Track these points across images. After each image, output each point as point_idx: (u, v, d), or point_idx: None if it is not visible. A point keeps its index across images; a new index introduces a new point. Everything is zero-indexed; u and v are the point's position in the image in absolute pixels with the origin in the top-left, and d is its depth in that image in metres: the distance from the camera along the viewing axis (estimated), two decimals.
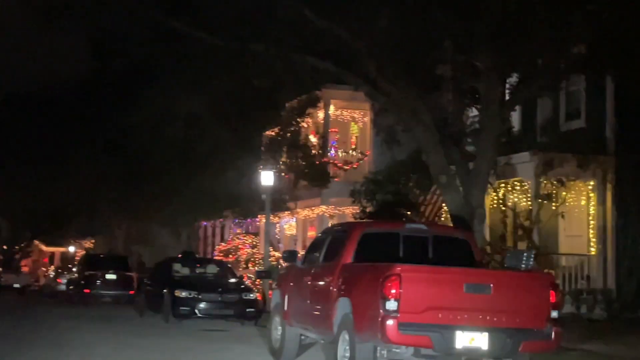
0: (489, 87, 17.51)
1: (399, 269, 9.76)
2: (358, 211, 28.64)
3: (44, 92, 40.29)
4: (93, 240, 62.05)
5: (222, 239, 46.99)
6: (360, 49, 17.23)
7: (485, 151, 17.49)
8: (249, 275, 37.50)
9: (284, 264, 35.91)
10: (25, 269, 67.49)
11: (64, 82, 38.41)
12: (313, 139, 34.39)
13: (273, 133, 33.56)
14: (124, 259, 35.76)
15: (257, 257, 39.53)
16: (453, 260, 11.17)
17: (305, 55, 18.10)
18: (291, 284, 13.02)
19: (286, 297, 13.04)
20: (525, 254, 11.16)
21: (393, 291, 9.63)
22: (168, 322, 21.56)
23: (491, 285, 10.02)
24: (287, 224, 40.74)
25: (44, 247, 75.49)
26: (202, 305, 21.22)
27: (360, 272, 10.76)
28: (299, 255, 13.34)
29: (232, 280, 23.13)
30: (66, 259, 66.10)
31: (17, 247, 69.60)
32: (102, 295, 33.80)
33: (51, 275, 53.92)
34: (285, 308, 13.02)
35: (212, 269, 23.94)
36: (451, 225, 17.20)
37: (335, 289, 11.10)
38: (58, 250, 73.29)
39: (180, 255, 39.51)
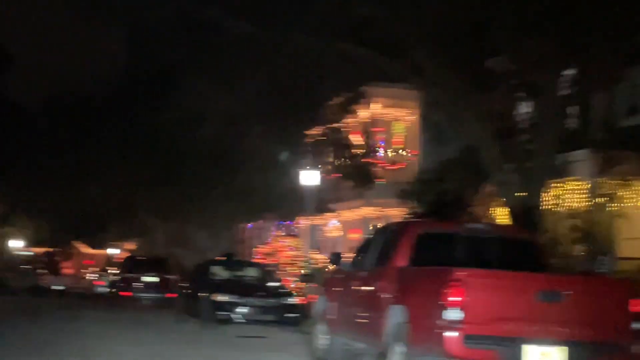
0: (548, 79, 16.21)
1: (462, 273, 8.54)
2: (404, 213, 27.43)
3: (80, 93, 39.70)
4: (135, 243, 61.48)
5: (262, 241, 46.02)
6: (410, 36, 16.02)
7: (544, 148, 16.20)
8: (289, 279, 36.47)
9: (330, 267, 35.02)
10: (69, 271, 67.25)
11: (99, 83, 37.79)
12: (357, 138, 33.17)
13: (315, 132, 32.40)
14: (164, 261, 34.89)
15: (297, 260, 38.44)
16: (520, 264, 9.89)
17: (349, 44, 16.90)
18: (337, 288, 11.85)
19: (332, 303, 11.88)
20: (604, 258, 9.86)
21: (456, 299, 8.42)
22: (205, 328, 20.50)
23: (567, 292, 8.75)
24: (329, 226, 39.61)
25: (87, 249, 75.24)
26: (240, 310, 20.15)
27: (417, 277, 9.55)
28: (344, 257, 12.14)
29: (272, 284, 22.04)
30: (109, 261, 65.66)
31: (58, 249, 69.29)
32: (142, 299, 33.11)
33: (90, 278, 53.39)
34: (331, 315, 11.86)
35: (251, 272, 22.87)
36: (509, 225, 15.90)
37: (387, 296, 9.92)
38: (102, 252, 72.98)
39: (220, 257, 38.86)
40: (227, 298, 20.20)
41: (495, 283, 8.64)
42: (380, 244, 10.93)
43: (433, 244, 10.20)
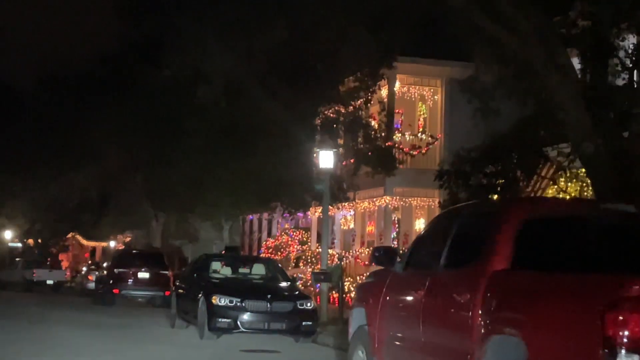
0: None
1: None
2: (442, 200, 23.82)
3: (71, 71, 35.95)
4: (129, 235, 58.00)
5: (270, 234, 42.58)
6: None
7: None
8: (299, 275, 32.95)
9: (369, 268, 31.40)
10: (64, 264, 64.28)
11: (90, 59, 34.07)
12: (377, 118, 29.47)
13: (331, 112, 28.73)
14: (159, 256, 31.53)
15: (308, 255, 34.92)
16: None
17: None
18: (386, 300, 8.18)
19: (377, 320, 8.23)
20: None
21: (631, 333, 4.76)
22: (203, 337, 16.92)
23: None
24: (343, 217, 36.02)
25: (84, 242, 72.05)
26: (245, 316, 16.55)
27: (542, 288, 5.79)
28: (394, 255, 8.40)
29: (284, 284, 18.41)
30: (107, 254, 62.35)
31: (53, 241, 66.00)
32: (133, 296, 29.86)
33: (83, 272, 50.03)
34: (376, 337, 8.22)
35: (259, 270, 19.21)
36: None
37: (481, 318, 6.26)
38: (99, 245, 69.84)
39: (223, 252, 35.20)
40: (229, 301, 16.62)
41: None
42: (455, 236, 7.25)
43: (547, 234, 6.54)
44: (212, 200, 29.56)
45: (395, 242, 32.10)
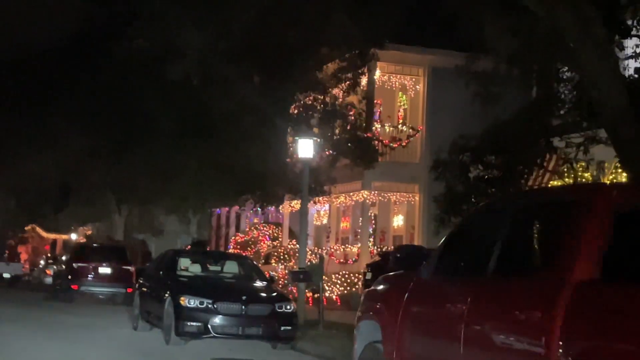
0: None
1: None
2: (416, 196, 22.18)
3: (27, 51, 33.57)
4: (91, 228, 55.79)
5: (238, 229, 40.79)
6: None
7: None
8: (270, 273, 31.15)
9: (344, 266, 29.63)
10: (23, 257, 62.00)
11: (49, 40, 31.69)
12: (357, 108, 27.76)
13: (309, 99, 26.98)
14: (121, 250, 29.64)
15: (280, 252, 33.19)
16: None
17: None
18: (410, 312, 6.43)
19: (396, 337, 6.49)
20: None
21: None
22: (169, 342, 15.12)
23: None
24: (317, 213, 34.31)
25: (44, 234, 69.63)
26: (217, 320, 14.77)
27: None
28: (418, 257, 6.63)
29: (261, 283, 16.63)
30: (68, 247, 60.11)
31: (11, 232, 63.60)
32: (93, 293, 27.96)
33: (41, 266, 47.87)
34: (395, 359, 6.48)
35: (231, 268, 17.40)
36: None
37: (562, 349, 4.52)
38: (60, 237, 67.51)
39: (188, 247, 33.27)
40: (199, 303, 14.83)
41: None
42: (509, 233, 5.53)
43: None
44: (179, 192, 27.63)
45: (372, 240, 30.50)
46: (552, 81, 14.89)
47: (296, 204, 33.87)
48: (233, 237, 37.47)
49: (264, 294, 15.75)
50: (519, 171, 15.03)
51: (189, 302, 14.90)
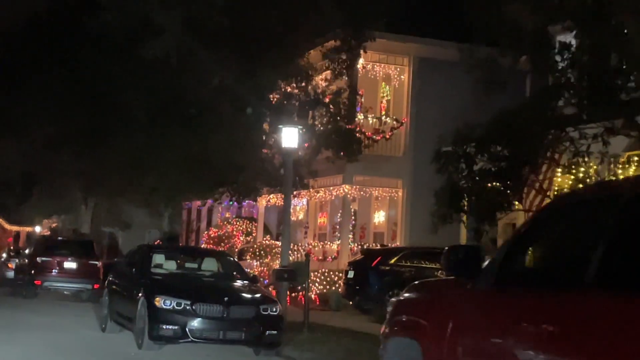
0: None
1: None
2: (399, 191, 20.87)
3: None
4: (55, 221, 53.96)
5: (210, 224, 39.32)
6: None
7: None
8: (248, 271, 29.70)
9: (323, 263, 28.19)
10: None
11: (12, 21, 29.83)
12: (340, 98, 26.41)
13: (291, 87, 25.59)
14: (88, 244, 28.07)
15: (256, 248, 31.77)
16: None
17: None
18: (466, 332, 5.07)
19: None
20: None
21: None
22: (142, 347, 13.71)
23: None
24: (293, 208, 32.89)
25: (7, 226, 67.59)
26: (196, 323, 13.40)
27: None
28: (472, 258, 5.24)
29: (243, 283, 15.22)
30: (32, 240, 58.15)
31: None
32: (58, 289, 26.43)
33: (2, 259, 45.96)
34: None
35: (210, 265, 15.98)
36: None
37: None
38: (24, 229, 65.52)
39: (157, 242, 31.78)
40: (176, 304, 13.43)
41: None
42: (613, 234, 4.19)
43: None
44: (151, 183, 26.08)
45: (351, 236, 29.19)
46: (565, 67, 13.67)
47: (272, 198, 32.55)
48: (206, 232, 35.99)
49: (247, 295, 14.36)
50: (528, 163, 13.79)
51: (164, 303, 13.50)
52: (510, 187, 13.97)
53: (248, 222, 35.41)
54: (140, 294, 14.14)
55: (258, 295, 14.43)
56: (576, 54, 13.79)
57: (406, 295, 6.08)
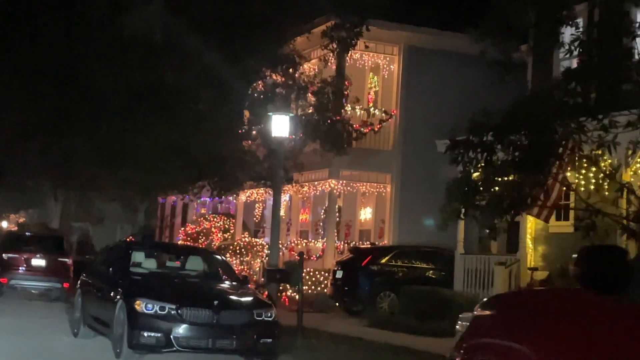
0: None
1: None
2: (387, 187, 19.49)
3: None
4: (22, 216, 51.98)
5: (184, 220, 37.69)
6: None
7: None
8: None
9: (307, 262, 26.50)
10: None
11: None
12: (328, 89, 24.95)
13: (276, 76, 24.10)
14: (58, 240, 26.41)
15: (235, 245, 30.26)
16: None
17: None
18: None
19: None
20: None
21: None
22: (120, 356, 12.17)
23: None
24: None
25: None
26: (182, 329, 11.89)
27: None
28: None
29: (232, 284, 13.70)
30: None
31: None
32: (25, 288, 24.72)
33: None
34: None
35: (195, 264, 14.44)
36: None
37: None
38: None
39: (130, 238, 30.12)
40: (159, 308, 11.91)
41: None
42: None
43: None
44: (126, 176, 24.41)
45: (336, 234, 27.73)
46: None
47: (252, 194, 31.02)
48: (182, 229, 34.39)
49: (239, 298, 12.85)
50: (551, 155, 12.42)
51: (146, 306, 11.97)
52: (532, 180, 12.59)
53: (225, 218, 33.91)
54: (118, 297, 12.61)
55: (251, 298, 12.92)
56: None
57: (492, 309, 4.63)
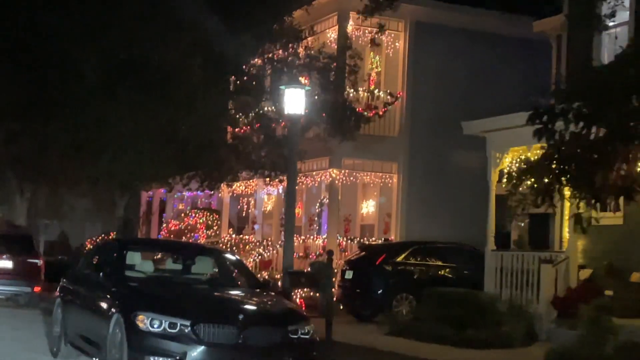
0: None
1: None
2: (394, 177, 16.77)
3: None
4: None
5: (162, 215, 34.98)
6: None
7: None
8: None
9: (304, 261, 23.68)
10: None
11: None
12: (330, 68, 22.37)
13: (274, 54, 21.51)
14: (26, 239, 23.74)
15: (224, 243, 27.64)
16: None
17: None
18: None
19: None
20: None
21: None
22: None
23: None
24: (266, 196, 28.69)
25: None
26: (198, 353, 9.21)
27: None
28: None
29: (250, 291, 10.99)
30: None
31: None
32: None
33: None
34: None
35: (204, 266, 11.71)
36: None
37: None
38: None
39: (112, 234, 27.46)
40: (169, 325, 9.23)
41: None
42: None
43: None
44: (104, 166, 21.56)
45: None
46: None
47: (238, 187, 28.37)
48: (164, 225, 31.66)
49: (268, 310, 10.17)
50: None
51: (151, 323, 9.30)
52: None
53: (208, 214, 31.29)
54: (113, 309, 9.93)
55: (282, 309, 10.22)
56: None
57: None
